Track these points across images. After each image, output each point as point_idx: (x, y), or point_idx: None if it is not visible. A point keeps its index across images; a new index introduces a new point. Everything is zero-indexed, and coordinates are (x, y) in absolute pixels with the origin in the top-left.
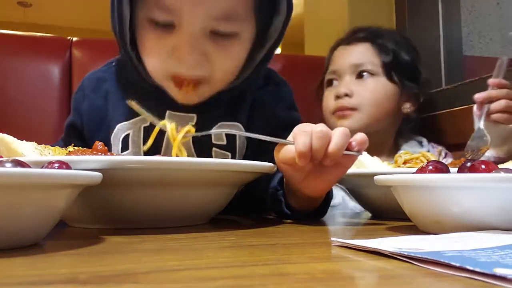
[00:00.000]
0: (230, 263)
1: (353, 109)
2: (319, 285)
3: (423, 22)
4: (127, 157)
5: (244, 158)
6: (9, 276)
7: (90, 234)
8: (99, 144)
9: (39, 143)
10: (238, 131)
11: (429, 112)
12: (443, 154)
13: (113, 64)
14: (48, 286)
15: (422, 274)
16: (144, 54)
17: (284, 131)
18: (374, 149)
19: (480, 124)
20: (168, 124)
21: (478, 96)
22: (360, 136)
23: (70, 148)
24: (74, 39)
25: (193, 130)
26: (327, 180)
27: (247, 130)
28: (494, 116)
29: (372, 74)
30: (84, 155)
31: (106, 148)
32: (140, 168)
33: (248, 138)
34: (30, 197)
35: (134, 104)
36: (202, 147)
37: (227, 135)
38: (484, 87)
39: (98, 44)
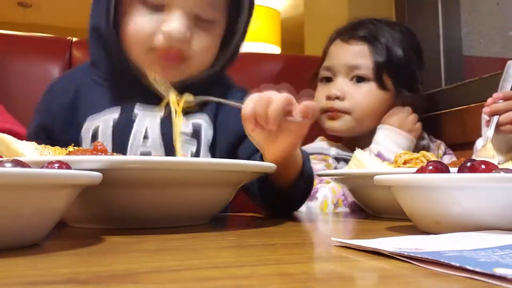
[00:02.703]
0: (230, 263)
1: (343, 111)
2: (319, 285)
3: (423, 22)
4: (127, 157)
5: (212, 148)
6: (9, 276)
7: (90, 234)
8: (99, 144)
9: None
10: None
11: (428, 112)
12: (442, 148)
13: (79, 67)
14: (48, 286)
15: (422, 274)
16: (131, 29)
17: None
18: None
19: (488, 136)
20: (171, 95)
21: (485, 110)
22: (306, 104)
23: (70, 148)
24: (74, 39)
25: (190, 98)
26: (282, 146)
27: (214, 124)
28: (503, 128)
29: (366, 78)
30: (84, 155)
31: (106, 148)
32: (140, 168)
33: (216, 130)
34: (30, 197)
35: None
36: (169, 134)
37: (192, 125)
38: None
39: None
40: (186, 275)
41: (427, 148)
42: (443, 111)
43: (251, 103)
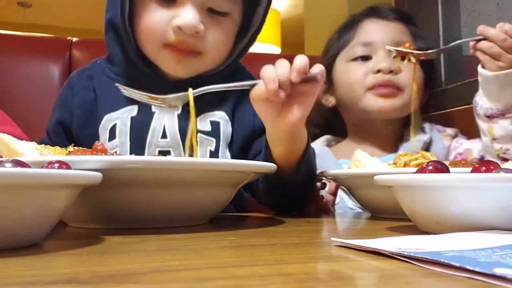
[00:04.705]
0: (230, 263)
1: (399, 88)
2: (319, 285)
3: (423, 22)
4: (127, 157)
5: (230, 145)
6: (9, 276)
7: (90, 234)
8: (99, 144)
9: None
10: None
11: (428, 112)
12: (452, 134)
13: (98, 62)
14: (48, 286)
15: (422, 274)
16: (143, 25)
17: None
18: (384, 137)
19: None
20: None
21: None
22: (318, 66)
23: (70, 148)
24: (74, 39)
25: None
26: (298, 110)
27: (232, 121)
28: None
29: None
30: (84, 155)
31: (106, 148)
32: (140, 168)
33: (233, 126)
34: (30, 197)
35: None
36: (187, 132)
37: (211, 123)
38: None
39: (98, 45)
40: (186, 275)
41: (427, 144)
42: (443, 111)
43: (268, 69)
